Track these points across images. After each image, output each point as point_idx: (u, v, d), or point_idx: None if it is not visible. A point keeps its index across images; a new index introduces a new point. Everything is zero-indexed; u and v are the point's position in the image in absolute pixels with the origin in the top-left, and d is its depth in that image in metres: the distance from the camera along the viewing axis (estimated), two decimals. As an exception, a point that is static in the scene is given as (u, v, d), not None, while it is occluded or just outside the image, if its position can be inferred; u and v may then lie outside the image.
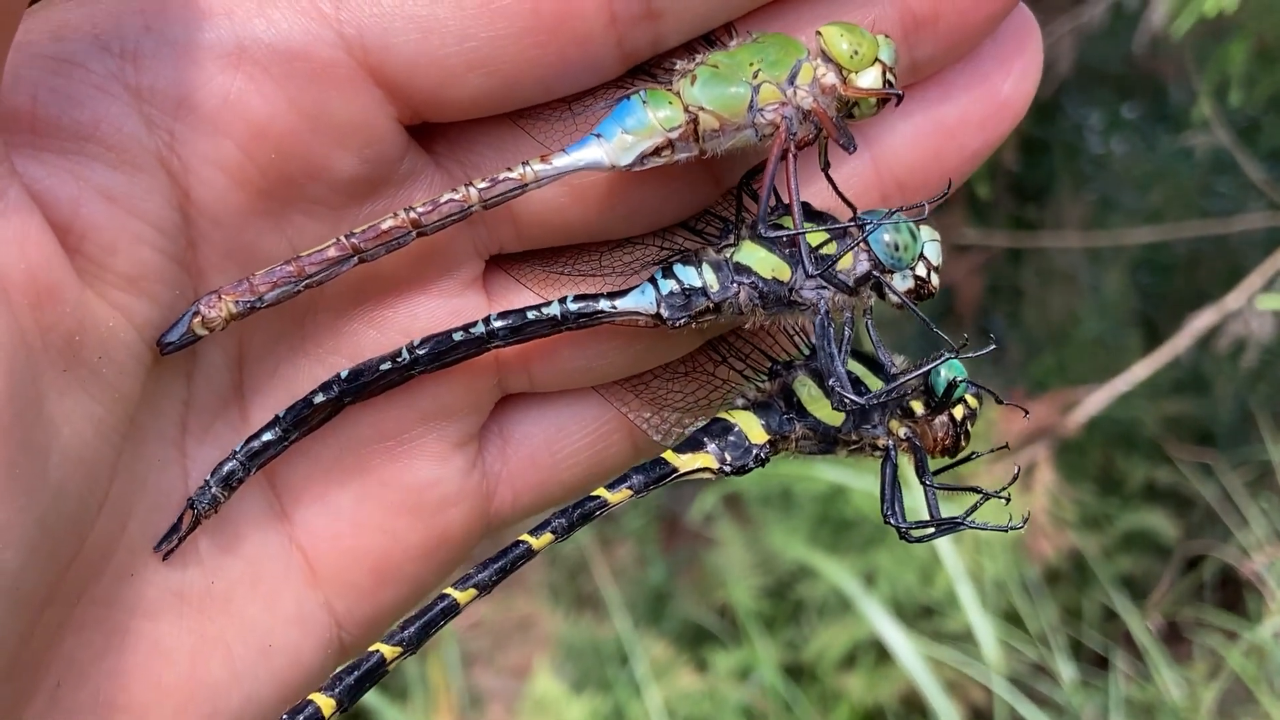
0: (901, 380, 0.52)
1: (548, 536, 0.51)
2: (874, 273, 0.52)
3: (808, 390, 0.55)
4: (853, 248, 0.51)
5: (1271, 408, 2.26)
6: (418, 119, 0.48)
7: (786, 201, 0.51)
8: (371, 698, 1.89)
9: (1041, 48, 0.53)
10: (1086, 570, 2.13)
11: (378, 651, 0.49)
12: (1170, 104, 2.78)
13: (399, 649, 0.49)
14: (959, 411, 0.55)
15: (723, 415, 0.55)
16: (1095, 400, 1.86)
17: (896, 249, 0.51)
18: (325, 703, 0.47)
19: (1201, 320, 1.81)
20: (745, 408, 0.56)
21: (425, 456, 0.52)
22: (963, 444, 0.56)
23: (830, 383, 0.51)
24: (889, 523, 0.54)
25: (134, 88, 0.43)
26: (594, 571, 2.42)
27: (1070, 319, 2.53)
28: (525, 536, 0.51)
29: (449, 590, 0.50)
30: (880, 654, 1.94)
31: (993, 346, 0.53)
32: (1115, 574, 2.13)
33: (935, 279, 0.53)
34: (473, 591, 0.50)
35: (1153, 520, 2.20)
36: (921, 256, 0.52)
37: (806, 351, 0.57)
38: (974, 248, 2.41)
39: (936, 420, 0.55)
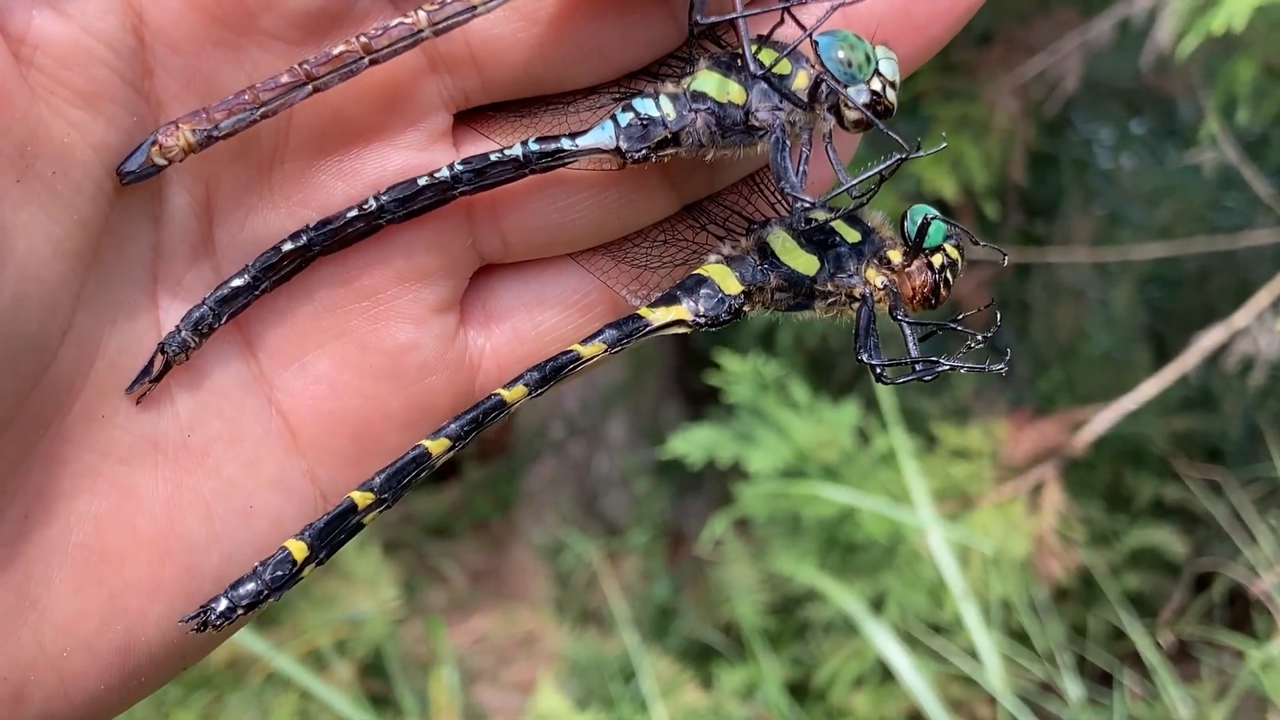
0: (855, 181, 0.52)
1: (520, 389, 0.52)
2: (822, 80, 0.51)
3: (781, 242, 0.56)
4: (796, 45, 0.51)
5: (1280, 425, 2.25)
6: None
7: (733, 14, 0.51)
8: (369, 719, 1.88)
9: None
10: (1094, 588, 2.13)
11: (348, 498, 0.49)
12: (1178, 119, 2.78)
13: (369, 495, 0.49)
14: (938, 260, 0.55)
15: (696, 271, 0.56)
16: (1104, 418, 1.86)
17: (850, 65, 0.51)
18: (296, 546, 0.48)
19: (1210, 338, 1.81)
20: (719, 262, 0.56)
21: (402, 319, 0.53)
22: (943, 294, 0.56)
23: (781, 184, 0.51)
24: (860, 360, 0.54)
25: None
26: (599, 587, 2.41)
27: (1078, 335, 2.53)
28: (499, 390, 0.52)
29: (422, 441, 0.51)
30: (886, 673, 1.94)
31: (944, 145, 0.53)
32: (1123, 592, 2.12)
33: (891, 94, 0.52)
34: (445, 442, 0.51)
35: (1161, 537, 2.19)
36: (877, 73, 0.52)
37: (785, 213, 0.57)
38: (981, 263, 2.40)
39: (915, 266, 0.55)
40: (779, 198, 0.57)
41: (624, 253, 0.56)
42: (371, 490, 0.49)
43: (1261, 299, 1.79)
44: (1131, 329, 2.48)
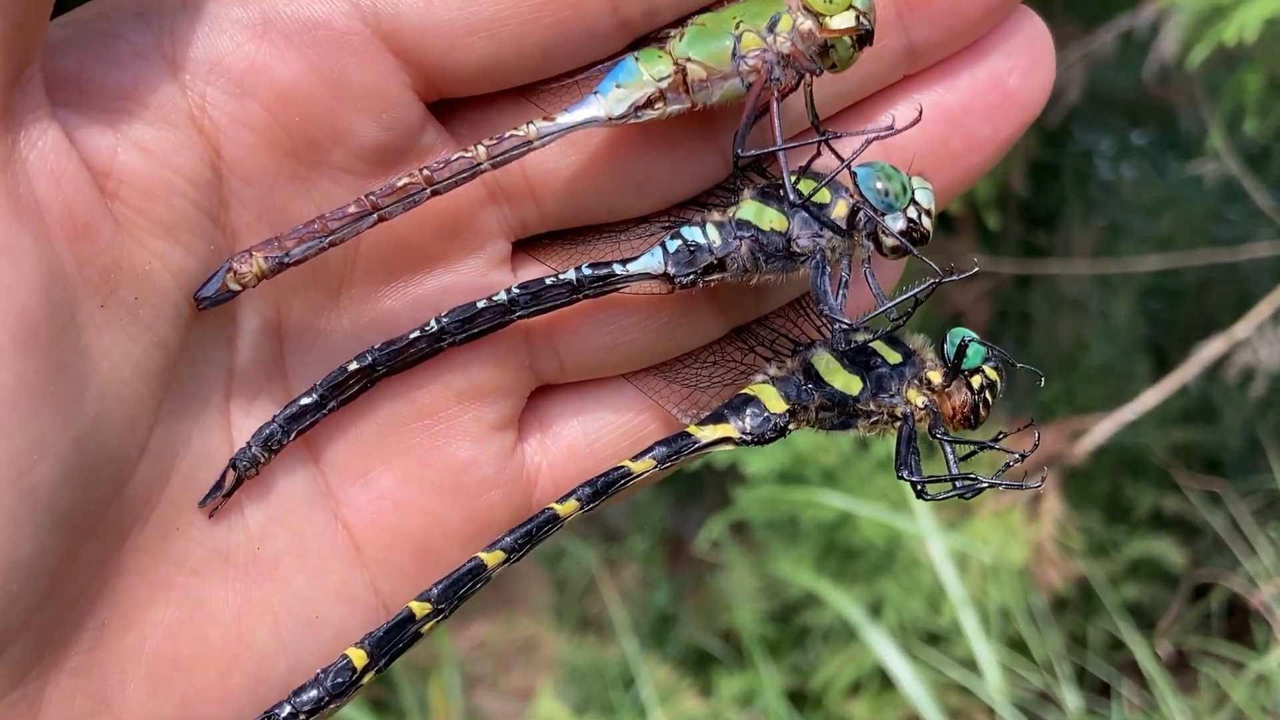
0: (892, 303, 0.54)
1: (573, 504, 0.54)
2: (859, 208, 0.54)
3: (825, 363, 0.58)
4: (834, 175, 0.54)
5: (1280, 437, 2.25)
6: (434, 91, 0.51)
7: (773, 147, 0.54)
8: (373, 720, 1.88)
9: (1052, 49, 0.56)
10: (1093, 598, 2.13)
11: (407, 608, 0.51)
12: (1180, 131, 2.78)
13: (427, 605, 0.51)
14: (977, 381, 0.57)
15: (743, 390, 0.58)
16: (1103, 428, 1.86)
17: (887, 194, 0.54)
18: (356, 654, 0.50)
19: (1210, 349, 1.81)
20: (765, 382, 0.58)
21: (463, 436, 0.55)
22: (982, 414, 0.58)
23: (821, 307, 0.54)
24: (902, 478, 0.56)
25: (170, 57, 0.47)
26: (599, 593, 2.41)
27: (1079, 345, 2.53)
28: (552, 504, 0.54)
29: (478, 554, 0.53)
30: (885, 680, 1.94)
31: (975, 269, 0.56)
32: (1122, 602, 2.12)
33: (927, 221, 0.55)
34: (500, 554, 0.53)
35: (1160, 548, 2.19)
36: (913, 201, 0.55)
37: (829, 335, 0.59)
38: (982, 274, 2.40)
39: (954, 386, 0.57)
40: (823, 321, 0.59)
41: (675, 373, 0.59)
42: (429, 600, 0.52)
43: (1262, 310, 1.80)
44: (1132, 340, 2.48)
